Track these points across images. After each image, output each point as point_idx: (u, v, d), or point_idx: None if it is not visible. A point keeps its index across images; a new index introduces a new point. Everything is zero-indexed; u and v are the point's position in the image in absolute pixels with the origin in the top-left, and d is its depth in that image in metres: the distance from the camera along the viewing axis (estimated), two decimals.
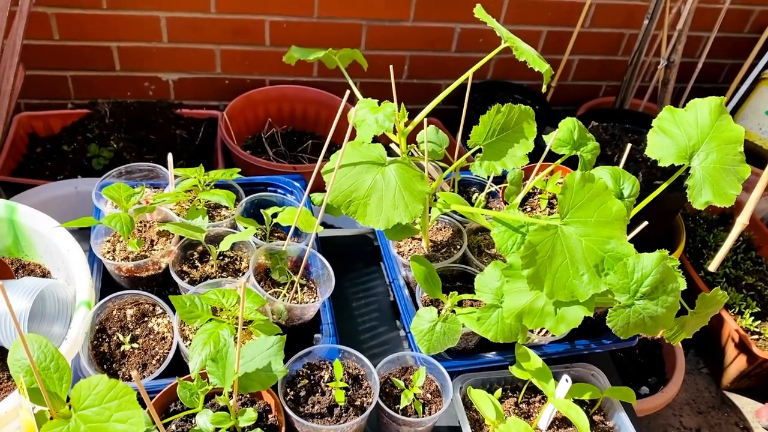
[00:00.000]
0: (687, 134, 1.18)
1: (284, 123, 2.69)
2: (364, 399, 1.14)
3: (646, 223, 1.25)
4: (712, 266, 1.72)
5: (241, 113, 2.56)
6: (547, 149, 1.36)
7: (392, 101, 1.25)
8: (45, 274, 1.36)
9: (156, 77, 2.54)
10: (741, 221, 1.63)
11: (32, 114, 2.43)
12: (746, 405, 2.42)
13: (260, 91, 2.60)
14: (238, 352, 0.99)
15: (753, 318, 2.28)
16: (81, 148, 2.42)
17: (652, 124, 1.20)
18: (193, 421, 1.07)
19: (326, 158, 1.21)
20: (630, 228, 1.28)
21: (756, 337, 2.26)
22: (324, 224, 2.13)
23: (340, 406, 1.11)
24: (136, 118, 2.53)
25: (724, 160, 1.17)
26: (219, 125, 2.44)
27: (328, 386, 1.15)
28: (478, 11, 1.27)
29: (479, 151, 1.28)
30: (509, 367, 1.27)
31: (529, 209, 1.56)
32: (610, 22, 2.74)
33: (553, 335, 1.34)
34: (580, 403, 1.34)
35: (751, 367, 2.27)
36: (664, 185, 1.24)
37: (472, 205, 1.55)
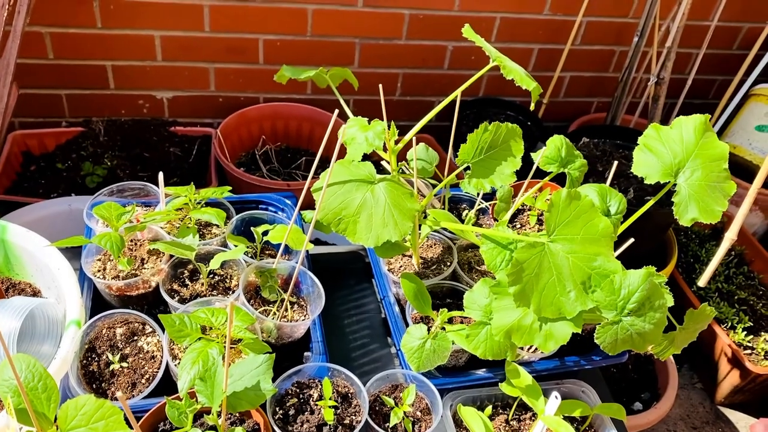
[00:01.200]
0: (672, 152, 1.20)
1: (278, 140, 2.71)
2: (354, 417, 1.14)
3: (632, 240, 1.26)
4: (702, 281, 1.72)
5: (235, 130, 2.58)
6: (534, 166, 1.37)
7: (393, 118, 1.26)
8: (35, 293, 1.36)
9: (150, 95, 2.56)
10: (729, 236, 1.64)
11: (26, 132, 2.44)
12: (740, 420, 2.42)
13: (254, 108, 2.62)
14: (226, 371, 0.99)
15: (745, 333, 2.29)
16: (75, 166, 2.43)
17: (638, 142, 1.22)
18: None
19: (317, 175, 1.22)
20: (618, 244, 1.29)
21: (748, 351, 2.27)
22: (316, 241, 2.13)
23: (329, 425, 1.11)
24: (131, 135, 2.54)
25: (710, 177, 1.18)
26: (213, 143, 2.45)
27: (317, 405, 1.15)
28: (467, 31, 1.29)
29: (468, 168, 1.29)
30: (499, 384, 1.27)
31: (518, 226, 1.57)
32: (601, 39, 2.77)
33: (542, 352, 1.34)
34: (571, 419, 1.34)
35: (745, 382, 2.27)
36: (651, 202, 1.25)
37: (462, 221, 1.56)
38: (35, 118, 2.52)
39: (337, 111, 1.18)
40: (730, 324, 2.32)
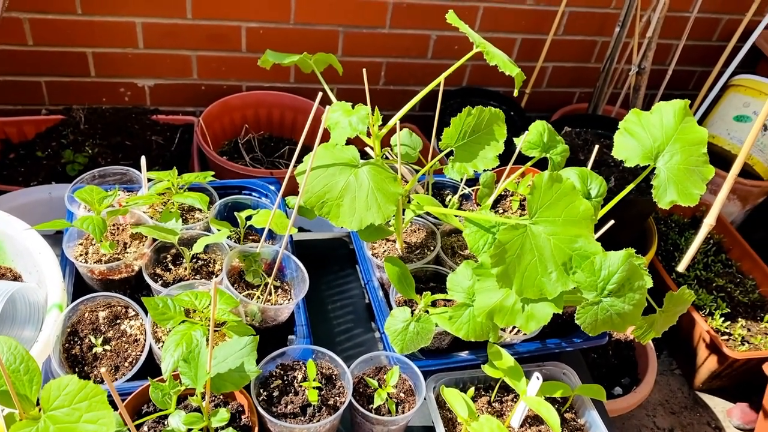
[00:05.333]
0: (652, 136, 1.21)
1: (261, 129, 2.70)
2: (337, 398, 1.14)
3: (612, 222, 1.28)
4: (681, 267, 1.75)
5: (217, 119, 2.56)
6: (516, 151, 1.38)
7: (377, 106, 1.26)
8: (16, 278, 1.35)
9: (132, 83, 2.53)
10: (707, 222, 1.66)
11: (5, 120, 2.41)
12: (718, 405, 2.46)
13: (237, 96, 2.61)
14: (210, 353, 0.99)
15: (723, 319, 2.33)
16: (55, 154, 2.40)
17: (618, 126, 1.23)
18: (166, 423, 1.07)
19: (299, 161, 1.22)
20: (598, 228, 1.31)
21: (726, 337, 2.31)
22: (300, 228, 2.13)
23: (313, 406, 1.12)
24: (112, 124, 2.52)
25: (689, 160, 1.20)
26: (195, 131, 2.43)
27: (301, 386, 1.15)
28: (451, 17, 1.30)
29: (452, 152, 1.30)
30: (482, 365, 1.28)
31: (501, 211, 1.58)
32: (583, 29, 2.79)
33: (524, 334, 1.35)
34: (552, 401, 1.36)
35: (722, 368, 2.31)
36: (631, 186, 1.26)
37: (446, 207, 1.57)
38: (14, 106, 2.48)
39: (320, 95, 1.18)
40: (708, 311, 2.36)
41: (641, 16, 2.57)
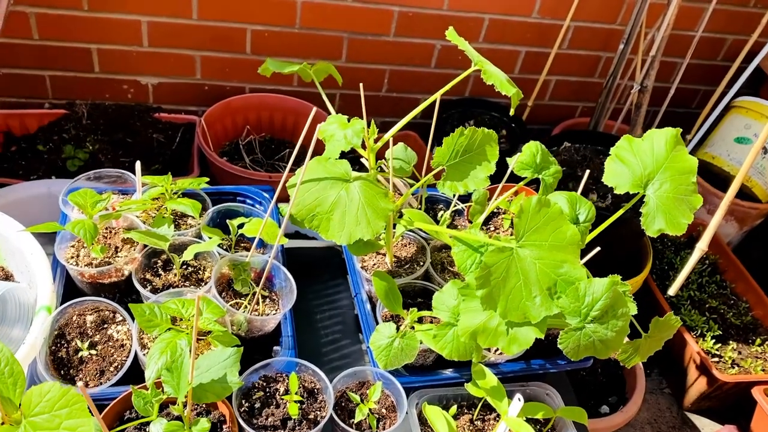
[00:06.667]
0: (643, 163, 1.22)
1: (263, 131, 2.71)
2: (318, 413, 1.15)
3: (597, 249, 1.28)
4: (672, 290, 1.77)
5: (219, 120, 2.57)
6: (509, 171, 1.39)
7: (370, 114, 1.27)
8: (8, 277, 1.36)
9: (135, 80, 2.55)
10: (700, 247, 1.67)
11: (8, 112, 2.42)
12: (706, 426, 2.46)
13: (240, 98, 2.62)
14: (192, 363, 1.00)
15: (714, 341, 2.33)
16: (56, 149, 2.41)
17: (609, 152, 1.24)
18: (147, 430, 1.08)
19: (294, 167, 1.23)
20: (589, 251, 1.31)
21: (716, 359, 2.31)
22: (296, 234, 2.14)
23: (294, 419, 1.13)
24: (114, 120, 2.53)
25: (678, 189, 1.20)
26: (196, 131, 2.45)
27: (283, 399, 1.16)
28: (450, 34, 1.31)
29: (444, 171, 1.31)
30: (465, 384, 1.29)
31: (492, 228, 1.59)
32: (588, 44, 2.79)
33: (513, 355, 1.36)
34: (534, 421, 1.36)
35: (711, 389, 2.31)
36: (620, 212, 1.27)
37: (438, 222, 1.57)
38: (18, 99, 2.50)
39: (314, 110, 1.19)
40: (699, 332, 2.36)
41: (646, 33, 2.58)
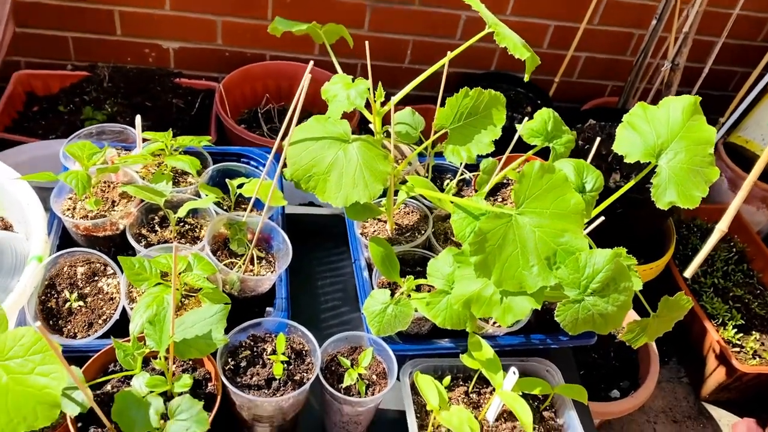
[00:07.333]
0: (656, 132, 1.15)
1: (282, 99, 2.68)
2: (305, 375, 1.13)
3: (602, 218, 1.22)
4: (688, 272, 1.69)
5: (238, 86, 2.55)
6: (515, 138, 1.33)
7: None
8: (7, 228, 1.36)
9: (157, 44, 2.54)
10: (720, 227, 1.60)
11: (32, 72, 2.45)
12: (723, 417, 2.39)
13: (259, 65, 2.59)
14: (173, 316, 0.99)
15: (736, 331, 2.24)
16: (77, 110, 2.43)
17: (622, 119, 1.18)
18: (131, 383, 1.07)
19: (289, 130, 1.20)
20: (592, 223, 1.26)
21: (737, 350, 2.22)
22: (312, 205, 2.11)
23: (279, 380, 1.10)
24: (134, 84, 2.53)
25: (693, 160, 1.14)
26: (215, 97, 2.43)
27: (269, 359, 1.14)
28: None
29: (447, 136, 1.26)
30: (460, 355, 1.25)
31: (500, 199, 1.53)
32: (620, 20, 2.69)
33: (508, 327, 1.32)
34: (533, 397, 1.32)
35: (730, 380, 2.23)
36: (631, 183, 1.21)
37: (444, 191, 1.53)
38: (41, 59, 2.51)
39: (311, 63, 1.15)
40: (721, 320, 2.28)
41: (681, 9, 2.46)
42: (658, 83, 2.63)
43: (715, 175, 1.16)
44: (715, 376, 2.29)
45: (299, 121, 1.19)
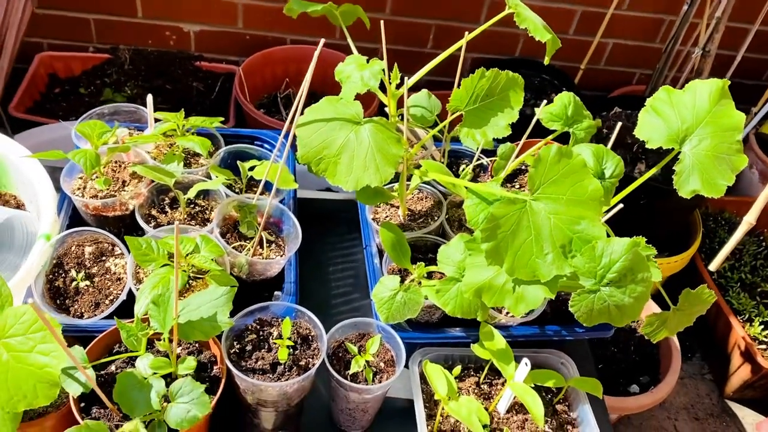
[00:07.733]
0: (681, 117, 1.10)
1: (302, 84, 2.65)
2: (310, 360, 1.11)
3: (621, 205, 1.17)
4: (713, 265, 1.64)
5: (258, 70, 2.53)
6: (533, 122, 1.29)
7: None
8: (19, 206, 1.36)
9: (178, 27, 2.53)
10: (747, 220, 1.54)
11: (54, 54, 2.45)
12: (747, 416, 2.32)
13: (280, 49, 2.56)
14: (176, 297, 0.97)
15: (762, 327, 2.17)
16: (97, 92, 2.43)
17: (645, 103, 1.13)
18: (135, 364, 1.06)
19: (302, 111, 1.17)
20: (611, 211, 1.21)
21: (764, 347, 2.16)
22: (328, 189, 2.09)
23: (284, 364, 1.09)
24: (155, 66, 2.53)
25: (719, 147, 1.09)
26: (234, 81, 2.41)
27: (275, 343, 1.12)
28: None
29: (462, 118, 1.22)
30: (471, 345, 1.22)
31: (518, 186, 1.49)
32: (650, 5, 2.61)
33: (522, 317, 1.28)
34: (546, 390, 1.29)
35: (755, 378, 2.16)
36: (652, 171, 1.16)
37: (459, 176, 1.49)
38: (64, 41, 2.52)
39: (322, 41, 1.12)
40: (747, 316, 2.21)
41: None
42: (688, 71, 2.54)
43: (743, 163, 1.10)
44: (740, 374, 2.22)
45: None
